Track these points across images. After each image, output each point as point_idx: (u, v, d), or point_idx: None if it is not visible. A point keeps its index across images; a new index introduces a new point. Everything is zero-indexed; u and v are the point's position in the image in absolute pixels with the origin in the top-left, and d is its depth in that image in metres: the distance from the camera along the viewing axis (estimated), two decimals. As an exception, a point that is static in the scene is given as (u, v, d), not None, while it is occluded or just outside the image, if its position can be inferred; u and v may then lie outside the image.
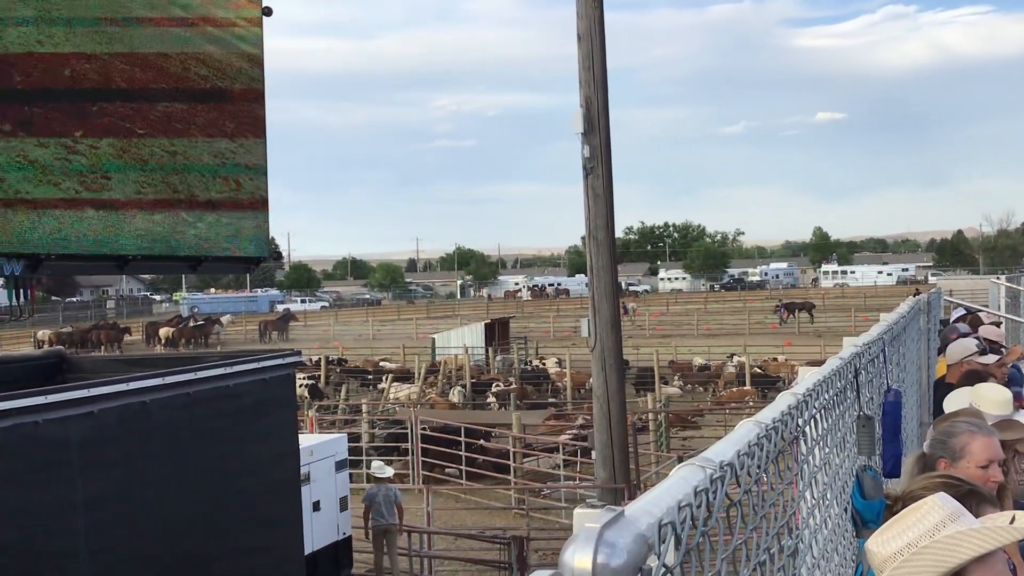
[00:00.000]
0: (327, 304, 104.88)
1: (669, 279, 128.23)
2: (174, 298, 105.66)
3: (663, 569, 1.41)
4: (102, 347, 55.51)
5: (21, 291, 9.77)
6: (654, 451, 22.87)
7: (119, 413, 8.04)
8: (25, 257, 9.20)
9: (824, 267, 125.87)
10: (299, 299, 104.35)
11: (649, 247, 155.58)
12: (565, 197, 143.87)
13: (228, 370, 9.52)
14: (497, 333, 47.52)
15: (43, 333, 56.94)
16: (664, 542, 1.42)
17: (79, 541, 7.55)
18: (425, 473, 21.51)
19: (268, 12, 11.08)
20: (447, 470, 22.08)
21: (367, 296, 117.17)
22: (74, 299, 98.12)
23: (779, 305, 66.80)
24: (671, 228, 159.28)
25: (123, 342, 58.02)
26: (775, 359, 37.87)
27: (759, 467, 2.06)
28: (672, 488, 1.57)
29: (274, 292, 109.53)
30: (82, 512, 7.59)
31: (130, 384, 8.28)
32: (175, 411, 8.75)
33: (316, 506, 13.26)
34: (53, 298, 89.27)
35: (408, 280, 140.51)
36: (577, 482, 19.86)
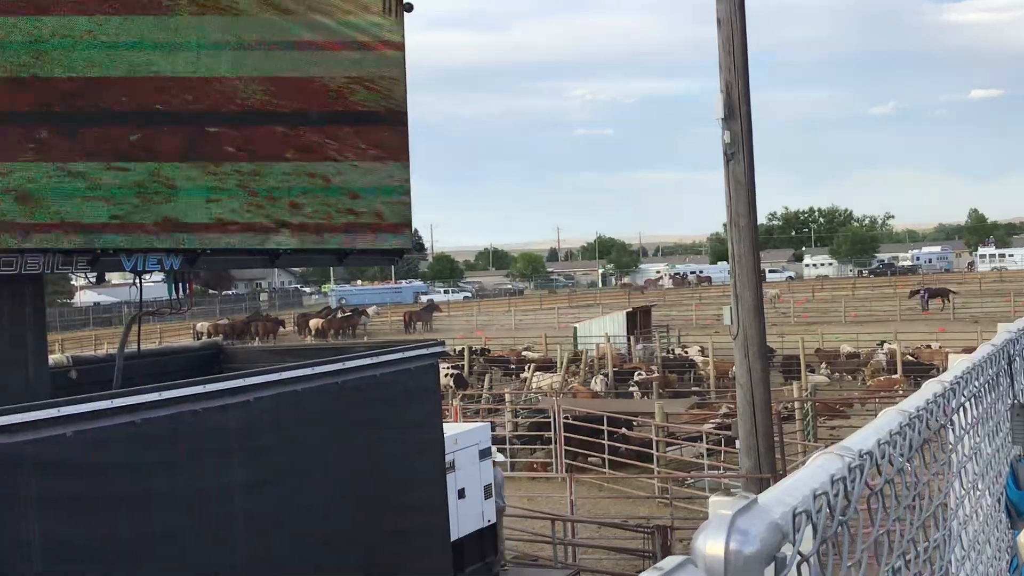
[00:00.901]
0: (470, 294, 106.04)
1: (814, 265, 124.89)
2: (323, 290, 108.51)
3: (798, 558, 1.41)
4: (258, 338, 57.59)
5: (180, 285, 10.22)
6: (800, 440, 22.41)
7: (273, 402, 8.37)
8: (182, 252, 9.62)
9: (981, 250, 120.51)
10: (442, 290, 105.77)
11: (793, 233, 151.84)
12: (706, 184, 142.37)
13: (375, 360, 9.79)
14: (639, 321, 47.22)
15: (202, 325, 59.25)
16: (799, 531, 1.41)
17: (236, 524, 7.89)
18: (568, 462, 21.61)
19: (409, 8, 11.30)
20: (590, 459, 22.12)
21: (509, 286, 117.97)
22: (230, 292, 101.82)
23: (919, 291, 63.19)
24: (816, 213, 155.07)
25: (278, 333, 60.13)
26: (928, 346, 36.52)
27: (902, 456, 2.02)
28: (808, 477, 1.57)
29: (418, 283, 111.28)
30: (239, 496, 7.93)
31: (283, 374, 8.61)
32: (325, 400, 9.05)
33: (461, 493, 13.47)
34: (210, 292, 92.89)
35: (549, 269, 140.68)
36: (721, 471, 19.64)
